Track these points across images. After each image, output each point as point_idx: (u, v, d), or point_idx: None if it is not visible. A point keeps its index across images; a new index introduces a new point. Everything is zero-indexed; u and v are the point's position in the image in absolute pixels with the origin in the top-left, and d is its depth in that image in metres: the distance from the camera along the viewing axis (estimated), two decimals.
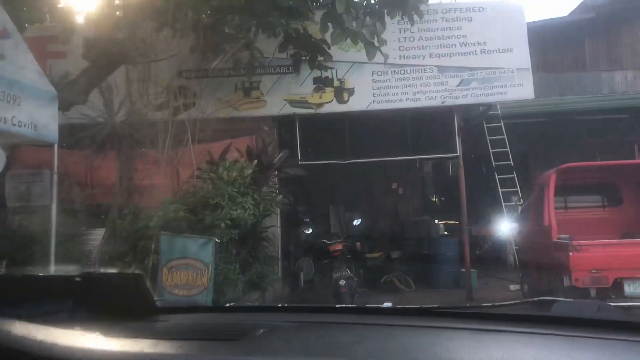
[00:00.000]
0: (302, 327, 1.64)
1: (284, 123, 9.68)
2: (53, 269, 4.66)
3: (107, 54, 7.16)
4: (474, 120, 10.24)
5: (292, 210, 9.56)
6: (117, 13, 7.47)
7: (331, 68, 9.04)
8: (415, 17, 7.39)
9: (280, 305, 2.07)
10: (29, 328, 1.07)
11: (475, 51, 9.29)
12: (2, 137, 4.79)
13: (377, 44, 6.86)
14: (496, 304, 1.71)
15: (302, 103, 9.40)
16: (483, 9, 9.41)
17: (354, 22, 6.68)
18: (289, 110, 9.38)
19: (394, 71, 9.27)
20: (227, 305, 1.90)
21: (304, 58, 8.17)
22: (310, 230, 9.73)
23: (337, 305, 1.83)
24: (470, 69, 9.25)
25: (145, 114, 7.24)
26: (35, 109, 4.88)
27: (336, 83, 9.31)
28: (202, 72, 9.03)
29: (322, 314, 1.83)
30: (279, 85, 9.39)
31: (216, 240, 5.19)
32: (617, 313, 1.66)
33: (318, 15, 7.47)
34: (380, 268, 9.97)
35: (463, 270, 9.35)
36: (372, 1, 7.27)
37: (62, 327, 1.18)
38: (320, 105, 9.38)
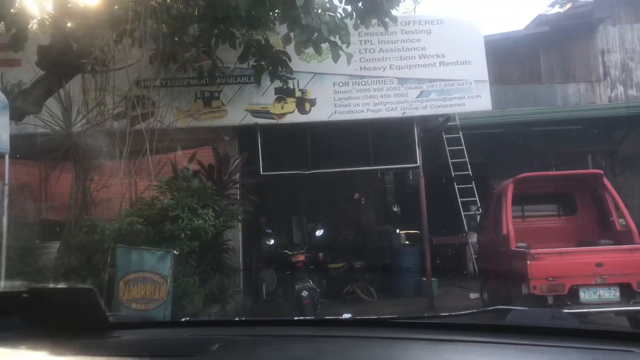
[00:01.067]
0: (259, 341, 1.61)
1: (245, 133, 9.61)
2: (2, 285, 4.47)
3: (62, 62, 6.99)
4: (434, 130, 10.39)
5: (254, 221, 9.47)
6: (75, 21, 7.31)
7: (293, 78, 9.02)
8: (389, 22, 7.42)
9: (237, 318, 2.03)
10: None
11: (435, 63, 9.43)
12: None
13: (340, 44, 6.85)
14: (453, 313, 1.71)
15: (264, 113, 9.35)
16: (442, 22, 9.57)
17: (312, 20, 6.63)
18: (251, 120, 9.32)
19: (355, 82, 9.33)
20: (183, 319, 1.79)
21: (265, 69, 8.13)
22: (272, 241, 9.66)
23: (295, 318, 1.82)
24: (430, 80, 9.38)
25: (103, 124, 7.08)
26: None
27: (298, 94, 9.30)
28: (161, 81, 8.90)
29: (280, 327, 1.80)
30: (239, 95, 9.32)
31: (175, 252, 5.08)
32: (571, 321, 1.67)
33: (281, 28, 7.49)
34: (343, 278, 9.97)
35: (424, 279, 9.43)
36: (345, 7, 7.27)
37: (8, 346, 1.13)
38: (282, 115, 9.35)
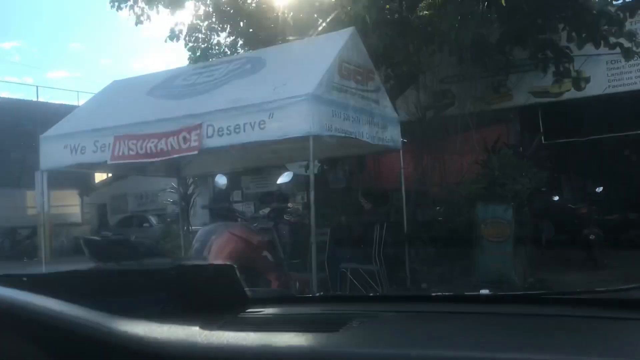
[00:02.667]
0: (400, 317, 1.59)
1: (527, 113, 11.79)
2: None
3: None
4: None
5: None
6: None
7: (571, 62, 10.87)
8: None
9: (373, 294, 2.09)
10: (127, 323, 1.09)
11: None
12: (373, 148, 7.85)
13: (634, 48, 8.67)
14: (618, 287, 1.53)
15: (544, 93, 11.41)
16: None
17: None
18: (533, 100, 11.48)
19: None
20: (318, 294, 1.81)
21: (551, 61, 10.16)
22: (557, 197, 11.70)
23: (433, 294, 1.84)
24: None
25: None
26: (393, 129, 7.86)
27: (574, 74, 11.08)
28: (460, 77, 11.50)
29: (418, 304, 1.78)
30: (522, 81, 11.50)
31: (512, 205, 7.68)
32: None
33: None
34: (620, 228, 11.53)
35: None
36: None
37: (155, 321, 1.18)
38: (560, 94, 11.30)
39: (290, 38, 10.05)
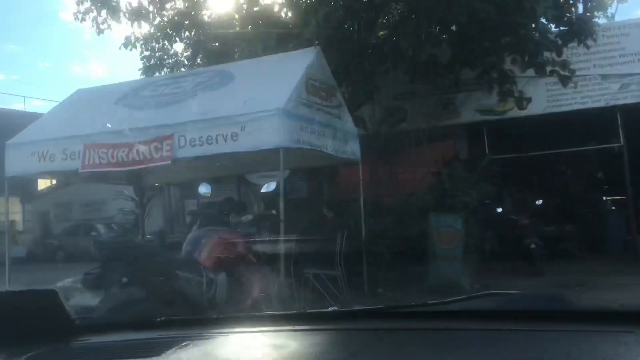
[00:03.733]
0: (234, 338, 1.56)
1: (472, 129, 12.55)
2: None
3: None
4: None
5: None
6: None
7: (514, 83, 11.70)
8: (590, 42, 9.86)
9: (215, 317, 1.95)
10: None
11: (633, 60, 11.44)
12: (335, 160, 8.29)
13: (568, 74, 9.49)
14: (442, 300, 1.60)
15: (489, 112, 12.19)
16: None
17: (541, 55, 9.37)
18: (478, 117, 12.24)
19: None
20: (157, 319, 1.73)
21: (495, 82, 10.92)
22: (499, 209, 12.47)
23: (277, 313, 1.83)
24: (630, 75, 11.43)
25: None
26: (353, 143, 8.34)
27: (516, 94, 11.91)
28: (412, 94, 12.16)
29: (259, 323, 1.74)
30: (469, 99, 12.25)
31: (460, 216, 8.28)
32: (569, 303, 1.64)
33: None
34: (557, 239, 12.43)
35: (630, 237, 11.60)
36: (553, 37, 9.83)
37: None
38: (504, 112, 12.10)
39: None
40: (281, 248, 5.63)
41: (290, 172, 10.43)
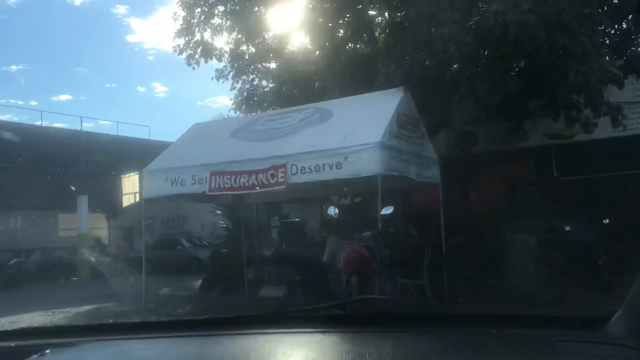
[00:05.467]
0: (90, 345, 1.58)
1: (542, 151, 13.41)
2: None
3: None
4: None
5: None
6: None
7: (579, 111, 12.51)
8: None
9: (71, 325, 2.17)
10: None
11: None
12: (414, 183, 9.44)
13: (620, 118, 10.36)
14: (317, 306, 1.76)
15: (557, 136, 13.03)
16: None
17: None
18: (547, 141, 13.09)
19: (630, 107, 12.45)
20: (11, 329, 1.77)
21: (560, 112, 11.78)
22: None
23: (138, 321, 1.86)
24: None
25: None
26: (433, 168, 9.48)
27: (583, 120, 12.70)
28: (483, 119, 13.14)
29: (115, 331, 1.79)
30: (537, 125, 13.12)
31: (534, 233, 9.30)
32: (436, 307, 1.88)
33: None
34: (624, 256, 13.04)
35: None
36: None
37: None
38: (571, 136, 12.91)
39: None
40: (386, 259, 6.81)
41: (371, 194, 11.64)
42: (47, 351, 1.53)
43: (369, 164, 7.59)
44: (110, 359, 1.60)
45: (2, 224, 29.30)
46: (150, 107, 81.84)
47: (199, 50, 14.07)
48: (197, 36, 13.71)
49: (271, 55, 15.07)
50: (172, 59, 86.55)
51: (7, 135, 22.53)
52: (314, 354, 1.47)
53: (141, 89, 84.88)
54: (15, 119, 27.79)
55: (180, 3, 13.59)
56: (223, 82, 15.51)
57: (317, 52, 13.63)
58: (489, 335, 1.57)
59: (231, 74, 15.33)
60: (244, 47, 14.76)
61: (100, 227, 31.04)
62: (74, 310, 11.63)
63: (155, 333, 1.79)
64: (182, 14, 13.53)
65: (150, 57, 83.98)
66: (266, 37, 14.62)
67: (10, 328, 2.13)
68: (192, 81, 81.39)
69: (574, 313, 1.81)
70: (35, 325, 6.93)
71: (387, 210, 7.77)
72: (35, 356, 1.47)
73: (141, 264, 23.74)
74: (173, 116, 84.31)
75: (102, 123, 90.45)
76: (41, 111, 45.55)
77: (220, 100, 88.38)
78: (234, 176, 8.41)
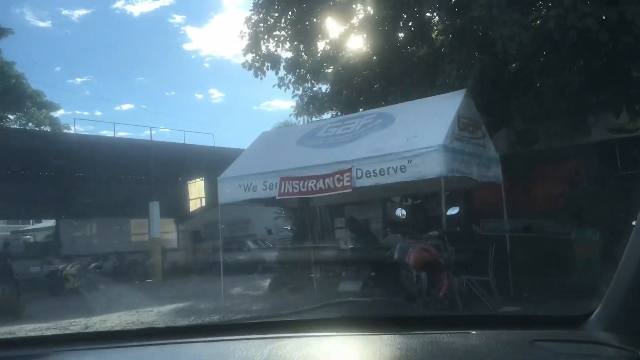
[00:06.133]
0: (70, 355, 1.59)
1: (604, 146, 13.30)
2: None
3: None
4: None
5: None
6: None
7: None
8: None
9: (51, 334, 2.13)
10: None
11: None
12: (475, 183, 9.68)
13: None
14: (297, 310, 1.81)
15: (620, 130, 12.90)
16: None
17: None
18: (610, 136, 12.99)
19: None
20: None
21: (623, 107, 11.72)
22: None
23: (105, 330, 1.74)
24: None
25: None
26: (495, 168, 9.71)
27: None
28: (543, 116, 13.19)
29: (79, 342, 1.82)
30: (599, 119, 13.04)
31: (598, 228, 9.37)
32: (412, 309, 2.32)
33: None
34: None
35: None
36: None
37: None
38: (635, 130, 12.75)
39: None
40: (451, 257, 7.16)
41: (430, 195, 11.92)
42: None
43: (432, 167, 7.95)
44: None
45: (79, 231, 31.15)
46: (208, 113, 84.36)
47: (266, 63, 14.80)
48: (263, 49, 14.38)
49: (329, 61, 15.58)
50: (227, 65, 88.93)
51: (83, 146, 23.97)
52: (297, 357, 1.49)
53: (199, 96, 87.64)
54: (81, 130, 29.48)
55: (246, 21, 14.33)
56: (285, 89, 16.14)
57: (375, 57, 14.05)
58: (469, 337, 1.58)
59: (292, 81, 15.93)
60: (303, 56, 15.34)
61: (169, 232, 32.47)
62: (156, 309, 12.46)
63: (133, 342, 1.81)
64: (248, 31, 14.23)
65: (207, 65, 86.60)
66: (324, 43, 15.15)
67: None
68: (247, 86, 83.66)
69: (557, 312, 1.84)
70: (16, 335, 6.97)
71: (453, 211, 8.09)
72: None
73: (211, 265, 24.75)
74: (231, 121, 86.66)
75: (163, 130, 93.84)
76: (114, 123, 47.79)
77: (276, 104, 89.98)
78: (302, 181, 8.94)
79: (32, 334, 9.93)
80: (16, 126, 30.35)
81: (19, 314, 12.91)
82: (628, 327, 1.43)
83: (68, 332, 6.33)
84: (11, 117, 30.85)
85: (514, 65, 12.12)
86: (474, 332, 1.59)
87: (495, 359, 1.45)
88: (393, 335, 1.58)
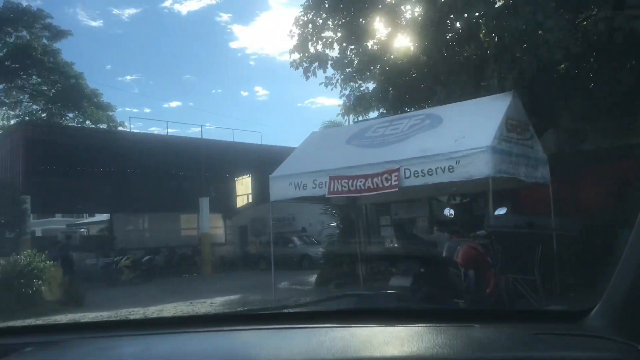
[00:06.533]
0: (73, 343, 1.62)
1: None
2: None
3: None
4: None
5: None
6: None
7: None
8: None
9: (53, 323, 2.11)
10: None
11: None
12: (523, 183, 9.77)
13: None
14: (301, 301, 2.30)
15: None
16: None
17: None
18: None
19: None
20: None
21: None
22: None
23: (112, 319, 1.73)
24: None
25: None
26: (543, 168, 9.79)
27: None
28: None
29: (102, 329, 1.84)
30: None
31: None
32: (417, 303, 2.06)
33: None
34: None
35: None
36: None
37: None
38: None
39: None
40: (499, 255, 7.35)
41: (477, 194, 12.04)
42: (28, 349, 1.59)
43: (480, 167, 8.13)
44: (90, 355, 1.63)
45: (132, 225, 32.31)
46: (253, 110, 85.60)
47: (315, 63, 15.16)
48: (312, 49, 14.74)
49: (376, 60, 15.81)
50: (272, 62, 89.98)
51: (136, 143, 24.93)
52: (305, 347, 1.53)
53: (244, 93, 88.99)
54: (131, 127, 30.73)
55: (295, 22, 14.72)
56: (332, 88, 16.46)
57: (423, 56, 14.21)
58: (472, 329, 1.59)
59: (339, 81, 16.23)
60: (350, 55, 15.63)
61: (217, 227, 33.27)
62: (209, 300, 13.01)
63: (136, 330, 1.84)
64: (298, 31, 14.60)
65: (252, 62, 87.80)
66: (371, 43, 15.39)
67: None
68: (292, 83, 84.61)
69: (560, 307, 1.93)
70: (19, 324, 7.06)
71: (501, 211, 8.25)
72: (15, 354, 1.50)
73: (258, 259, 25.28)
74: (275, 118, 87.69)
75: (209, 127, 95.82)
76: (167, 121, 49.31)
77: (320, 100, 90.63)
78: (351, 180, 9.25)
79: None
80: (74, 124, 31.67)
81: (80, 302, 13.66)
82: (628, 323, 1.45)
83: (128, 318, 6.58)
84: (70, 115, 32.25)
85: (562, 65, 12.10)
86: (477, 326, 1.62)
87: (497, 351, 1.47)
88: (398, 328, 1.61)
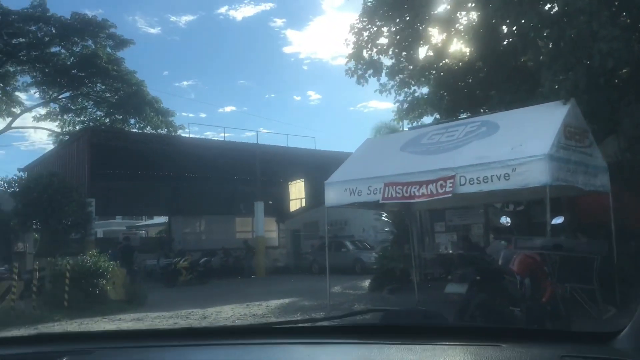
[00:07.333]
0: (109, 352, 1.63)
1: None
2: None
3: None
4: None
5: None
6: None
7: None
8: None
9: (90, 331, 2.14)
10: None
11: None
12: (573, 190, 9.58)
13: None
14: (328, 316, 2.34)
15: None
16: None
17: None
18: None
19: None
20: (29, 335, 1.75)
21: None
22: None
23: (144, 329, 1.70)
24: None
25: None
26: (602, 176, 9.60)
27: None
28: None
29: (137, 340, 1.86)
30: None
31: None
32: (442, 319, 1.84)
33: None
34: None
35: None
36: None
37: None
38: None
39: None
40: (556, 264, 7.30)
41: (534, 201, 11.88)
42: (65, 359, 1.60)
43: (537, 175, 8.08)
44: None
45: (190, 227, 33.31)
46: (306, 115, 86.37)
47: (369, 70, 15.33)
48: (366, 56, 14.91)
49: (431, 66, 15.82)
50: (325, 67, 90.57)
51: (194, 148, 25.67)
52: None
53: (297, 98, 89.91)
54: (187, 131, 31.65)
55: (350, 29, 14.94)
56: (387, 95, 16.56)
57: (479, 62, 14.16)
58: (499, 349, 1.56)
59: (394, 87, 16.32)
60: (405, 63, 15.70)
61: (271, 230, 33.85)
62: (265, 303, 13.33)
63: (172, 341, 1.84)
64: (353, 39, 14.81)
65: (305, 67, 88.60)
66: (426, 49, 15.43)
67: (26, 334, 2.28)
68: (344, 88, 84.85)
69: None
70: (57, 331, 7.13)
71: (558, 220, 8.18)
72: None
73: (311, 263, 25.51)
74: (328, 122, 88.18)
75: (263, 132, 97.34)
76: (224, 127, 50.08)
77: (372, 104, 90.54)
78: (405, 187, 9.35)
79: (157, 321, 11.08)
80: (135, 129, 32.91)
81: (141, 302, 14.23)
82: None
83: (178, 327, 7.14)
84: (132, 121, 33.53)
85: (623, 71, 11.82)
86: (503, 345, 1.58)
87: None
88: (423, 346, 1.60)
